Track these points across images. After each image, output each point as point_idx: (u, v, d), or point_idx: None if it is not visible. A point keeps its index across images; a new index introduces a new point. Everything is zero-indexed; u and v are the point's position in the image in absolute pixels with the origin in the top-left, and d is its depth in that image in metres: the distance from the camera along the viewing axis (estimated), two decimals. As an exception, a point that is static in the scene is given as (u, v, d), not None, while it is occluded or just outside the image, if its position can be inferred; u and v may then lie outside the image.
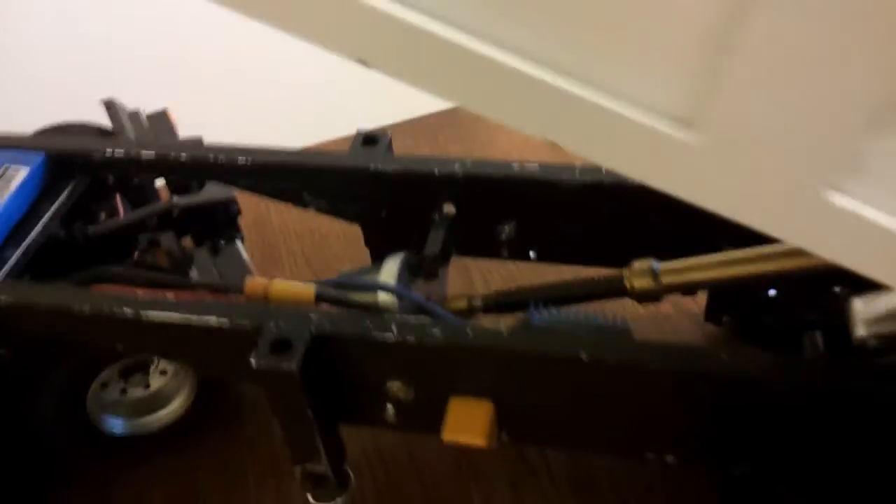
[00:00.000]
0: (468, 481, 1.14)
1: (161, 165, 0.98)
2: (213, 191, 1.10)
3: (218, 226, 1.00)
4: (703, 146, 0.37)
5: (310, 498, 1.03)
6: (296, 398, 0.77)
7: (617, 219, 0.90)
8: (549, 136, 0.42)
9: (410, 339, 0.77)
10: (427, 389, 0.82)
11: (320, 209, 1.13)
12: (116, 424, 1.19)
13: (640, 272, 0.93)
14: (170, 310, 0.77)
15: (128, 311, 0.79)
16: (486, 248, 0.98)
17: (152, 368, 1.20)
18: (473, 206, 1.05)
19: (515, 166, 1.01)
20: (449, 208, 1.06)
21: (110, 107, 1.11)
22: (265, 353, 0.73)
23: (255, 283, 0.94)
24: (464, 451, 1.11)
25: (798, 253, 0.85)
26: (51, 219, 0.92)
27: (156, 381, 1.22)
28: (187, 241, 1.10)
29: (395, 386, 0.86)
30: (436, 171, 1.04)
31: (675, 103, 0.37)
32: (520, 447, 1.16)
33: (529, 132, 0.43)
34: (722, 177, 0.38)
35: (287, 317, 0.76)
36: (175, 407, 1.23)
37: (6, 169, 0.92)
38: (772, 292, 1.03)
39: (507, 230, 1.05)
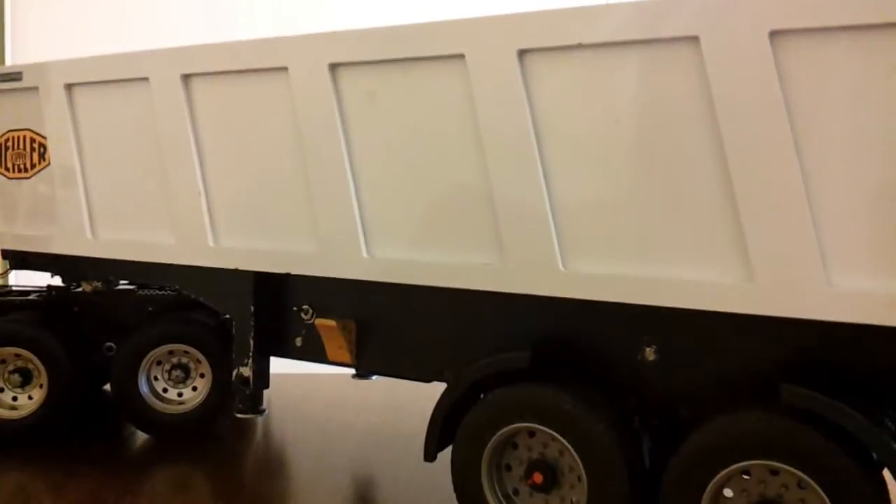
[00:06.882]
0: None
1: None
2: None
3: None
4: (756, 285, 1.41)
5: (235, 412, 1.56)
6: (246, 296, 1.45)
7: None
8: (681, 304, 1.40)
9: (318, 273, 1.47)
10: (321, 313, 1.45)
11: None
12: (151, 398, 1.84)
13: None
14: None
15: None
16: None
17: (189, 381, 1.87)
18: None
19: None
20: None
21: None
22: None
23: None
24: None
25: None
26: None
27: (187, 394, 1.87)
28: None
29: (303, 309, 1.50)
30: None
31: (735, 274, 1.44)
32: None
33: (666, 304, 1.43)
34: (767, 295, 1.35)
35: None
36: (188, 409, 1.85)
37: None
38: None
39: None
